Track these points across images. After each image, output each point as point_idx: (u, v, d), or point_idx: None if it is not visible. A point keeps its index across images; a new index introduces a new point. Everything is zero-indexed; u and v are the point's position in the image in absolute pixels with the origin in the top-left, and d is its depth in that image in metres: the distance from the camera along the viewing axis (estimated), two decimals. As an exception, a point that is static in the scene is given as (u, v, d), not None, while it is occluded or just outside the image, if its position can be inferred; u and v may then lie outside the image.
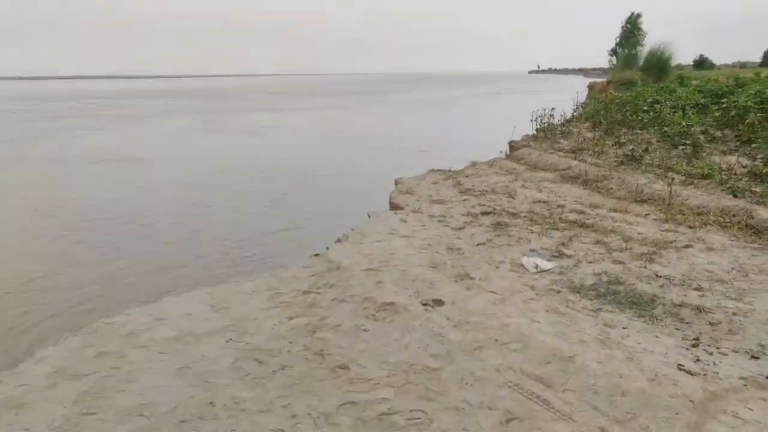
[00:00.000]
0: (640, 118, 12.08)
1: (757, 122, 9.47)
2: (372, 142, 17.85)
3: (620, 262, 4.75)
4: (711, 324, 3.64)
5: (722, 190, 6.64)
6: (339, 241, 5.66)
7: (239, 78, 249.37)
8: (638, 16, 34.63)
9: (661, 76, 25.45)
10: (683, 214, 6.06)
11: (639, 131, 11.23)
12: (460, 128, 22.20)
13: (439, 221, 6.21)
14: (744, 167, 7.47)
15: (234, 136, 20.36)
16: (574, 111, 14.61)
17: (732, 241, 5.19)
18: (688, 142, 8.82)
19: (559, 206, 6.65)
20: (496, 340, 3.40)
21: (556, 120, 13.24)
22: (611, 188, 7.40)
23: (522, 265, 4.79)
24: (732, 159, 7.79)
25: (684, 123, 9.72)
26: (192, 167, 13.60)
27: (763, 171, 7.05)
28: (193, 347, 3.51)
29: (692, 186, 6.94)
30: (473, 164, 9.83)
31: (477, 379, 3.01)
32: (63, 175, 12.57)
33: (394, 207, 7.13)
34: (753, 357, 3.24)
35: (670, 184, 6.45)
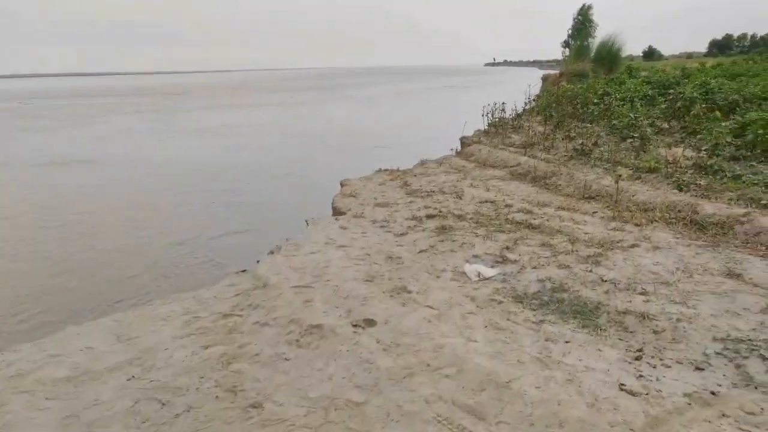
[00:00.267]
0: (590, 110, 12.07)
1: (702, 113, 9.54)
2: (330, 140, 17.42)
3: (566, 266, 4.54)
4: (655, 332, 3.44)
5: (668, 184, 6.56)
6: (272, 253, 5.26)
7: (186, 75, 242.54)
8: (589, 7, 35.14)
9: (612, 68, 25.88)
10: (630, 211, 5.93)
11: (589, 124, 11.19)
12: (417, 123, 21.97)
13: (381, 227, 5.89)
14: (689, 159, 7.44)
15: (187, 136, 19.54)
16: (526, 104, 14.53)
17: (677, 238, 5.06)
18: (635, 134, 8.79)
19: (506, 206, 6.43)
20: (429, 365, 3.11)
21: (508, 114, 13.11)
22: (560, 185, 7.25)
23: (464, 273, 4.53)
24: (678, 151, 7.76)
25: (632, 115, 9.72)
26: (140, 169, 12.93)
27: (708, 163, 7.03)
28: (88, 389, 3.09)
29: (640, 180, 6.85)
30: (422, 163, 9.56)
31: (404, 414, 2.71)
32: (2, 180, 11.75)
33: (337, 212, 6.78)
34: (697, 368, 3.05)
35: (617, 181, 6.32)
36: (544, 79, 28.85)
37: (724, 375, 2.95)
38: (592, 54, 28.73)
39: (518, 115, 13.20)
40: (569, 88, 15.76)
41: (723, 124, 8.27)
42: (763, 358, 3.06)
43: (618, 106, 11.56)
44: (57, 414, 2.85)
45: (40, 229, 7.96)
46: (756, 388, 2.81)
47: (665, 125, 10.40)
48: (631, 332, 3.48)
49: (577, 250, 4.88)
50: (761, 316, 3.53)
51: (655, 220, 5.60)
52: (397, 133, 18.87)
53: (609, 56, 26.88)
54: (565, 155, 8.68)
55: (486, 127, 12.47)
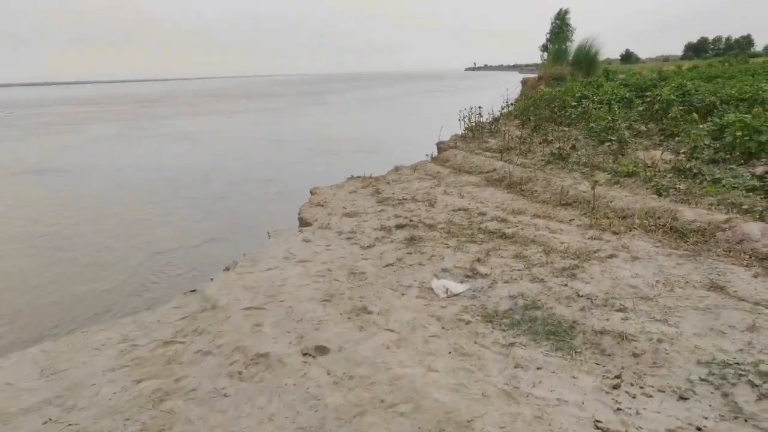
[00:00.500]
0: (568, 114, 11.88)
1: (679, 116, 9.38)
2: (309, 145, 17.03)
3: (540, 280, 4.23)
4: (635, 355, 3.14)
5: (647, 189, 6.32)
6: (227, 269, 4.87)
7: (168, 83, 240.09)
8: (566, 12, 35.33)
9: (589, 71, 25.84)
10: (608, 218, 5.66)
11: (566, 128, 10.98)
12: (396, 128, 21.69)
13: (347, 239, 5.53)
14: (667, 162, 7.23)
15: (163, 143, 19.02)
16: (503, 108, 14.28)
17: (657, 247, 4.79)
18: (613, 137, 8.58)
19: (479, 214, 6.13)
20: (382, 401, 2.76)
21: (486, 118, 12.84)
22: (536, 191, 6.97)
23: (431, 289, 4.20)
24: (656, 154, 7.54)
25: (610, 118, 9.52)
26: (115, 178, 12.46)
27: (687, 166, 6.82)
28: (-8, 438, 2.68)
29: (618, 185, 6.60)
30: (396, 169, 9.22)
31: (351, 462, 2.36)
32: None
33: (303, 222, 6.41)
34: (681, 398, 2.75)
35: (593, 187, 6.05)
36: (524, 82, 28.78)
37: (710, 405, 2.65)
38: (570, 57, 28.71)
39: (495, 119, 12.95)
40: (547, 91, 15.59)
41: (701, 126, 8.09)
42: (752, 384, 2.76)
43: (596, 109, 11.37)
44: (-53, 472, 2.45)
45: (3, 243, 7.50)
46: (746, 420, 2.51)
47: (643, 128, 10.22)
48: (609, 355, 3.17)
49: (552, 262, 4.58)
50: (748, 334, 3.24)
51: (634, 228, 5.33)
52: (375, 137, 18.57)
53: (587, 60, 26.84)
54: (542, 159, 8.42)
55: (463, 132, 12.19)
